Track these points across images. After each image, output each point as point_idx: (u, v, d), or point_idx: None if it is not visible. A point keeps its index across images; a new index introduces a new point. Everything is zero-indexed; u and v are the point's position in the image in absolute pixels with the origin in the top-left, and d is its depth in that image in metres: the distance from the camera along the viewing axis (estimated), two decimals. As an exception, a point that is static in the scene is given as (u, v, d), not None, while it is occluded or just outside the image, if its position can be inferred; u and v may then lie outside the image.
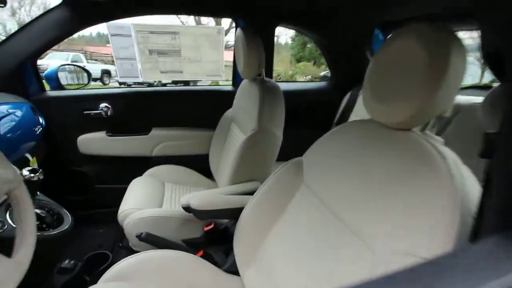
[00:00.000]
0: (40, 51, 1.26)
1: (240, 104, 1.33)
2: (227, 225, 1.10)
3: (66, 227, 0.87)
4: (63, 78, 1.67)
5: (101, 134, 1.48)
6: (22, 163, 1.04)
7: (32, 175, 0.78)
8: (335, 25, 1.53)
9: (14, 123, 1.10)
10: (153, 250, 0.87)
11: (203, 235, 1.11)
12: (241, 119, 1.30)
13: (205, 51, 1.46)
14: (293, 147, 1.69)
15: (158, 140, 1.56)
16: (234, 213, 0.96)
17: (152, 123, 1.56)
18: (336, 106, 1.73)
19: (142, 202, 1.19)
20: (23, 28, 1.18)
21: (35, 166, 1.12)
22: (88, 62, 7.77)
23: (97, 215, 1.55)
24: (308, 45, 14.96)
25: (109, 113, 1.44)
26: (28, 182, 0.78)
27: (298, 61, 14.86)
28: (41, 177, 0.81)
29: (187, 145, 1.61)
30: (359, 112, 1.59)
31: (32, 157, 1.10)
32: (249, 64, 1.13)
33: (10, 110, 1.13)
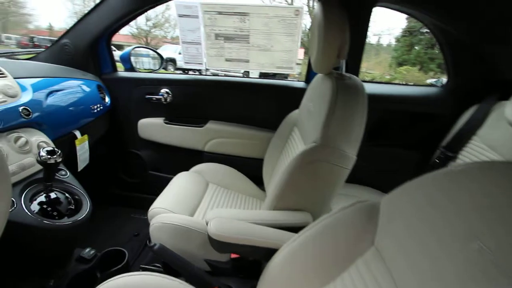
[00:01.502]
0: (112, 29, 1.26)
1: (307, 105, 1.03)
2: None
3: (81, 218, 0.78)
4: (146, 63, 1.72)
5: (160, 120, 1.42)
6: (68, 139, 1.04)
7: (49, 156, 0.71)
8: (471, 4, 1.03)
9: (76, 98, 1.11)
10: (153, 274, 0.69)
11: (229, 261, 0.88)
12: (305, 124, 1.00)
13: (278, 37, 1.21)
14: (373, 171, 1.28)
15: (213, 134, 1.41)
16: (264, 254, 0.70)
17: (209, 115, 1.42)
18: (448, 122, 1.22)
19: (176, 203, 1.04)
20: (95, 7, 1.19)
21: (85, 143, 1.11)
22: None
23: (146, 201, 1.53)
24: (416, 47, 13.00)
25: (168, 100, 1.37)
26: (44, 164, 0.71)
27: (400, 65, 13.12)
28: (59, 160, 0.72)
29: (244, 145, 1.41)
30: (491, 135, 1.05)
31: (83, 135, 1.09)
32: (324, 52, 0.81)
33: (77, 85, 1.16)
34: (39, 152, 0.70)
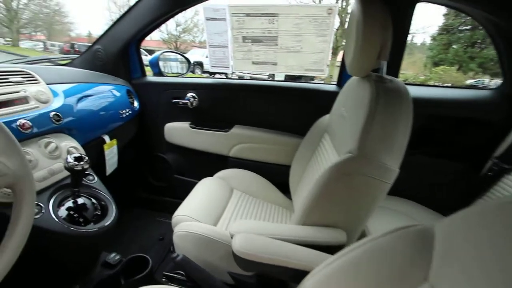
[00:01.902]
0: (141, 35, 1.28)
1: (339, 110, 0.95)
2: (287, 276, 0.78)
3: (107, 224, 0.77)
4: (174, 67, 1.74)
5: (185, 125, 1.42)
6: (97, 144, 1.05)
7: (76, 163, 0.70)
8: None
9: (107, 103, 1.12)
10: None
11: (254, 276, 0.83)
12: (338, 131, 0.92)
13: (308, 38, 1.14)
14: (413, 182, 1.16)
15: (238, 139, 1.38)
16: (292, 276, 0.63)
17: (235, 120, 1.39)
18: (502, 129, 1.08)
19: (200, 210, 1.01)
20: (125, 14, 1.21)
21: (113, 147, 1.12)
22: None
23: (171, 204, 1.53)
24: (454, 46, 12.18)
25: (194, 104, 1.36)
26: (71, 170, 0.71)
27: (436, 64, 12.35)
28: (86, 166, 0.72)
29: (270, 151, 1.36)
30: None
31: (112, 139, 1.10)
32: (363, 52, 0.73)
33: (108, 90, 1.18)
34: (66, 159, 0.70)
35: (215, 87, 1.38)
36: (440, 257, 0.42)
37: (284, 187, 1.26)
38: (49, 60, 1.25)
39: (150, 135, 1.49)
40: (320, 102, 1.25)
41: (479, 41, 11.67)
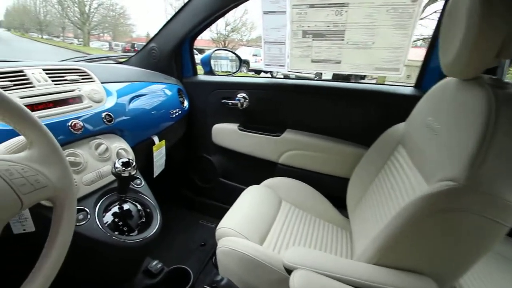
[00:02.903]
0: (195, 32, 1.23)
1: (424, 119, 0.76)
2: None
3: (150, 234, 0.72)
4: (224, 65, 1.68)
5: (234, 127, 1.34)
6: (146, 145, 1.02)
7: (124, 168, 0.65)
8: None
9: (158, 102, 1.09)
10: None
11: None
12: (422, 146, 0.73)
13: (383, 31, 0.96)
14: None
15: (290, 145, 1.25)
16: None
17: (287, 123, 1.26)
18: None
19: (246, 224, 0.92)
20: (179, 11, 1.17)
21: (162, 149, 1.09)
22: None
23: (216, 208, 1.47)
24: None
25: (244, 105, 1.27)
26: (118, 176, 0.66)
27: (515, 63, 10.56)
28: (133, 172, 0.67)
29: (325, 160, 1.21)
30: None
31: (161, 140, 1.06)
32: (476, 47, 0.54)
33: (160, 90, 1.15)
34: (114, 163, 0.66)
35: (267, 87, 1.27)
36: None
37: (338, 202, 1.11)
38: (108, 58, 1.28)
39: (197, 135, 1.45)
40: (391, 107, 1.06)
41: None
